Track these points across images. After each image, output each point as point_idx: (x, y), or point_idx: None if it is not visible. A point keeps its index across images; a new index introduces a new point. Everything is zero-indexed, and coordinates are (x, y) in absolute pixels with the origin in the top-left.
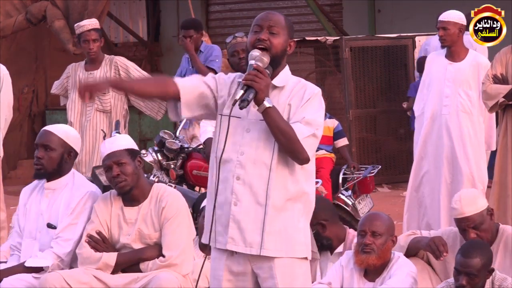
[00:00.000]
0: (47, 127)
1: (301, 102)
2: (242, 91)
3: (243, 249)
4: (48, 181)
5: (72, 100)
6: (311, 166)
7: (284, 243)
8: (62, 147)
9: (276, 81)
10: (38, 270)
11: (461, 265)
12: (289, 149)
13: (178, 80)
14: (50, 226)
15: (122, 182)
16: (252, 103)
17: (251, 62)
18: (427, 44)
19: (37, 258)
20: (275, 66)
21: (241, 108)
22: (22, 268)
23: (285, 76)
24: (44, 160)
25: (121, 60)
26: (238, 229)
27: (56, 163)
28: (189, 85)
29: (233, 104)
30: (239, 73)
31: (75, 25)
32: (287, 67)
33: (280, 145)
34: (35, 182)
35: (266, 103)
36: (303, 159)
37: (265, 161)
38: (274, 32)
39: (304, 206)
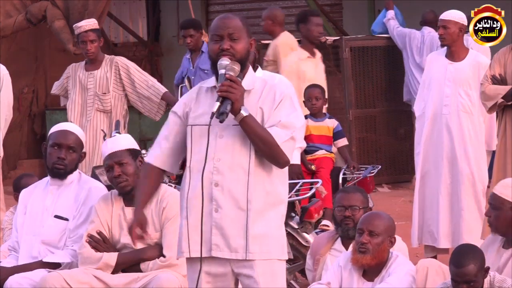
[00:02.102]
0: (67, 127)
1: (274, 104)
2: (218, 103)
3: (229, 254)
4: (55, 178)
5: (72, 100)
6: (286, 168)
7: (267, 245)
8: (80, 147)
9: (243, 85)
10: (55, 266)
11: (458, 276)
12: (269, 155)
13: (155, 158)
14: (59, 217)
15: (123, 182)
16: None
17: (222, 71)
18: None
19: (56, 255)
20: (241, 69)
21: (221, 122)
22: (39, 264)
23: (251, 78)
24: (67, 161)
25: (121, 60)
26: (221, 235)
27: (75, 164)
28: (166, 155)
29: (212, 117)
30: (202, 81)
31: (74, 25)
32: (251, 68)
33: (260, 151)
34: (35, 184)
35: (243, 112)
36: (284, 163)
37: (243, 166)
38: (235, 38)
39: (282, 207)
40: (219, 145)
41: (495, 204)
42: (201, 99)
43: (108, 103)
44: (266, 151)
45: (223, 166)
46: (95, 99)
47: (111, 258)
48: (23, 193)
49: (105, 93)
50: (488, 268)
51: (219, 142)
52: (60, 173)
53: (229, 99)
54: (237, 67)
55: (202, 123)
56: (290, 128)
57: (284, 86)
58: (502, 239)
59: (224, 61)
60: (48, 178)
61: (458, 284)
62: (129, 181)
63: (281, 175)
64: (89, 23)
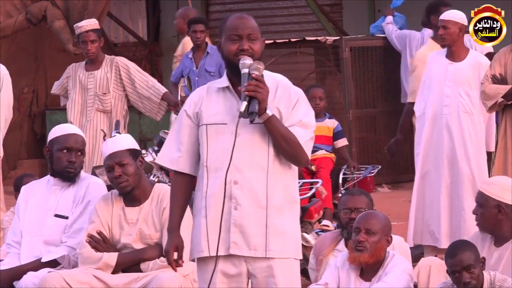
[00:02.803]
0: (72, 130)
1: (291, 104)
2: (245, 103)
3: (248, 252)
4: (65, 181)
5: (72, 100)
6: (297, 167)
7: (286, 244)
8: (85, 148)
9: None
10: (55, 264)
11: (456, 265)
12: (291, 154)
13: (182, 165)
14: (59, 216)
15: (124, 182)
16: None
17: (245, 70)
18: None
19: (51, 253)
20: None
21: (251, 121)
22: (39, 264)
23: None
24: (77, 164)
25: (122, 61)
26: (241, 233)
27: (81, 166)
28: (187, 158)
29: (240, 117)
30: (210, 82)
31: (74, 25)
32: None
33: (282, 150)
34: (35, 181)
35: (269, 112)
36: (305, 162)
37: (261, 164)
38: (253, 38)
39: (297, 206)
40: (237, 144)
41: (481, 201)
42: (212, 98)
43: (108, 103)
44: (289, 151)
45: (242, 164)
46: (95, 99)
47: (111, 258)
48: (24, 188)
49: (105, 93)
50: (484, 259)
51: (236, 140)
52: (70, 177)
53: (256, 98)
54: (261, 67)
55: (218, 122)
56: (309, 128)
57: (294, 86)
58: (491, 237)
59: (247, 60)
60: (48, 177)
61: (459, 273)
62: (130, 181)
63: (294, 174)
64: (90, 23)
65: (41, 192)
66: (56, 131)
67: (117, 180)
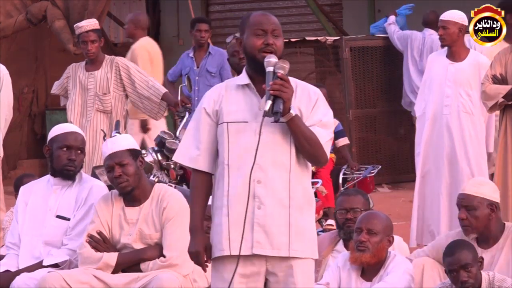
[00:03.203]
0: (72, 129)
1: (311, 103)
2: (270, 102)
3: (271, 252)
4: (65, 179)
5: (72, 100)
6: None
7: (306, 243)
8: (85, 147)
9: None
10: (55, 266)
11: (454, 263)
12: (312, 154)
13: (201, 163)
14: (61, 217)
15: (124, 182)
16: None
17: (270, 69)
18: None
19: (53, 256)
20: None
21: (276, 121)
22: (38, 267)
23: None
24: (77, 162)
25: (122, 61)
26: (264, 232)
27: (81, 164)
28: (205, 156)
29: (264, 116)
30: (227, 80)
31: (75, 25)
32: None
33: (302, 150)
34: (35, 181)
35: (292, 112)
36: (324, 162)
37: (284, 163)
38: (276, 34)
39: (314, 205)
40: (260, 142)
41: (472, 204)
42: (232, 96)
43: (109, 104)
44: (310, 151)
45: (266, 163)
46: (96, 100)
47: (111, 258)
48: (23, 189)
49: (105, 94)
50: (482, 259)
51: (259, 139)
52: (70, 175)
53: (281, 98)
54: (287, 66)
55: (239, 120)
56: (329, 128)
57: (312, 86)
58: (473, 240)
59: (272, 59)
60: (48, 176)
61: (457, 272)
62: (130, 182)
63: (309, 174)
64: (90, 23)
65: (41, 192)
66: (56, 130)
67: (117, 180)
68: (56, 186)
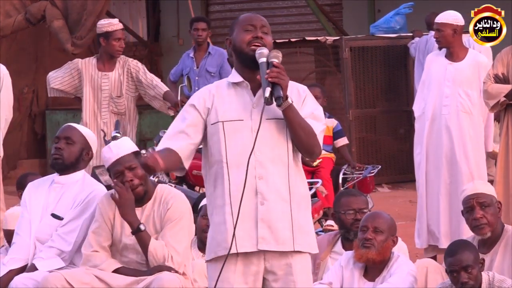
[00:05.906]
0: (71, 124)
1: (300, 98)
2: (269, 89)
3: (275, 247)
4: (60, 175)
5: (85, 100)
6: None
7: (307, 237)
8: (83, 143)
9: None
10: None
11: (455, 264)
12: (307, 144)
13: (180, 149)
14: (55, 216)
15: (140, 186)
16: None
17: (263, 59)
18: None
19: (46, 261)
20: None
21: (278, 105)
22: (32, 269)
23: None
24: (64, 152)
25: (134, 64)
26: (268, 228)
27: (75, 157)
28: (185, 145)
29: (265, 102)
30: (217, 81)
31: (102, 22)
32: None
33: (299, 140)
34: (42, 179)
35: (290, 100)
36: (318, 153)
37: (282, 159)
38: (265, 31)
39: (310, 200)
40: (257, 139)
41: (486, 201)
42: (224, 94)
43: (123, 106)
44: (306, 140)
45: (265, 159)
46: (110, 102)
47: (114, 264)
48: (29, 187)
49: (119, 96)
50: (483, 260)
51: (256, 136)
52: (58, 164)
53: (279, 85)
54: (280, 55)
55: (234, 118)
56: (321, 120)
57: (299, 84)
58: (476, 241)
59: (264, 50)
60: (53, 176)
61: (458, 273)
62: (143, 184)
63: (302, 170)
64: (119, 22)
65: (43, 189)
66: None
67: (131, 184)
68: (57, 184)
